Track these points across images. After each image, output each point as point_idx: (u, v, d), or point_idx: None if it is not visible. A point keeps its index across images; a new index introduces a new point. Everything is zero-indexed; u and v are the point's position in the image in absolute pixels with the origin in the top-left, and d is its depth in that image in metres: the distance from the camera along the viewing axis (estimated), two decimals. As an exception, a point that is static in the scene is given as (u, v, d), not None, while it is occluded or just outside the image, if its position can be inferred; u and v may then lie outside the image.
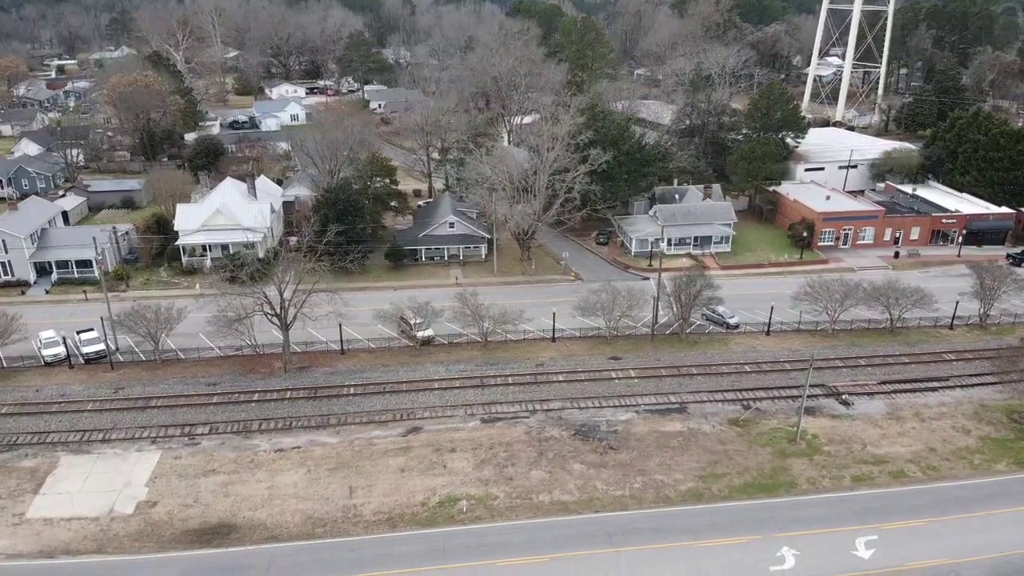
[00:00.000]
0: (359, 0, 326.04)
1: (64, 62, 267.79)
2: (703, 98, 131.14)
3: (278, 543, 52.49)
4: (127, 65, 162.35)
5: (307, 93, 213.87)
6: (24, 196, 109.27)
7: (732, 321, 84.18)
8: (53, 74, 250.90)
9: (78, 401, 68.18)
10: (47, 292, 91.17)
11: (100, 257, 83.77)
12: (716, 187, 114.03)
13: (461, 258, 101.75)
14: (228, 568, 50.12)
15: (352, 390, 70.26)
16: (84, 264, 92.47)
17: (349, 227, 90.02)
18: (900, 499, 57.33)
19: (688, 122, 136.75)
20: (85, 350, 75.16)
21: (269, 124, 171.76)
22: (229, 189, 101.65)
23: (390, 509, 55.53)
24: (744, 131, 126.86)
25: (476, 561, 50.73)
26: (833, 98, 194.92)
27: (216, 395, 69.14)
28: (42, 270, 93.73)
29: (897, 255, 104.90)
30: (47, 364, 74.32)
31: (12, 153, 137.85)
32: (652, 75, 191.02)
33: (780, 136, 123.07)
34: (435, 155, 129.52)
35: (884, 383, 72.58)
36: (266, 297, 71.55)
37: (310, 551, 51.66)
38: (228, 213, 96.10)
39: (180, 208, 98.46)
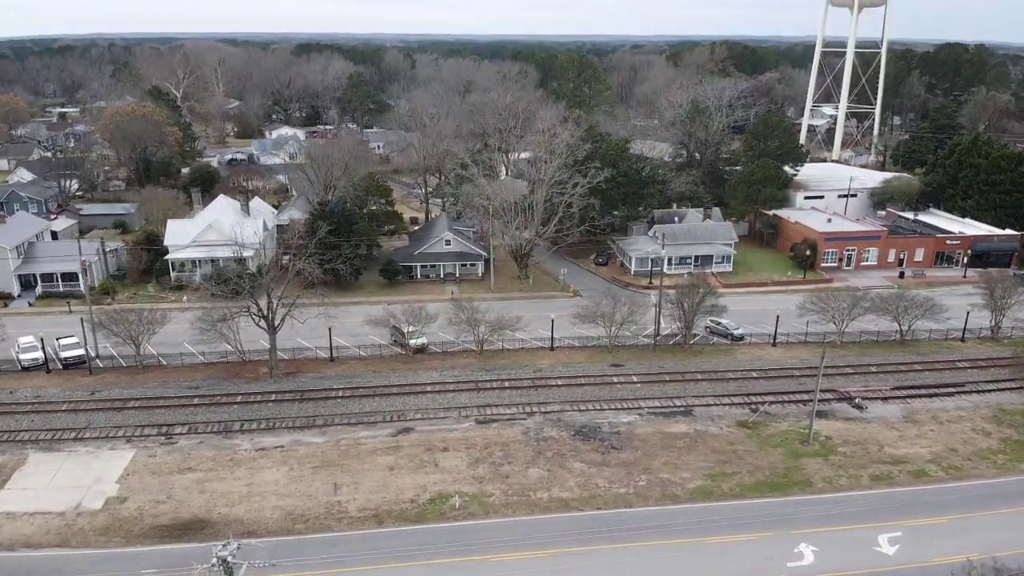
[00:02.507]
0: (360, 54, 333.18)
1: (66, 109, 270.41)
2: (700, 128, 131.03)
3: (255, 539, 48.56)
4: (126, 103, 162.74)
5: (307, 136, 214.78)
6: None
7: (737, 332, 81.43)
8: (55, 119, 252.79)
9: (52, 402, 64.96)
10: (30, 304, 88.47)
11: (85, 259, 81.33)
12: (716, 211, 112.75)
13: (457, 276, 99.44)
14: (199, 562, 46.10)
15: (340, 393, 67.02)
16: (70, 277, 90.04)
17: (343, 240, 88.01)
18: (923, 497, 53.80)
19: (685, 154, 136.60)
20: (64, 355, 72.19)
21: (268, 161, 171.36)
22: (222, 206, 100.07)
23: (377, 506, 51.84)
24: (743, 160, 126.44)
25: (468, 557, 46.91)
26: (828, 142, 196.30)
27: (197, 397, 65.87)
28: (27, 284, 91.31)
29: (902, 275, 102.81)
30: (24, 369, 71.30)
31: (7, 181, 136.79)
32: (648, 123, 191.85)
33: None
34: (431, 188, 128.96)
35: (898, 388, 69.49)
36: (253, 298, 69.10)
37: (289, 546, 47.85)
38: (220, 229, 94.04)
39: (171, 223, 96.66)
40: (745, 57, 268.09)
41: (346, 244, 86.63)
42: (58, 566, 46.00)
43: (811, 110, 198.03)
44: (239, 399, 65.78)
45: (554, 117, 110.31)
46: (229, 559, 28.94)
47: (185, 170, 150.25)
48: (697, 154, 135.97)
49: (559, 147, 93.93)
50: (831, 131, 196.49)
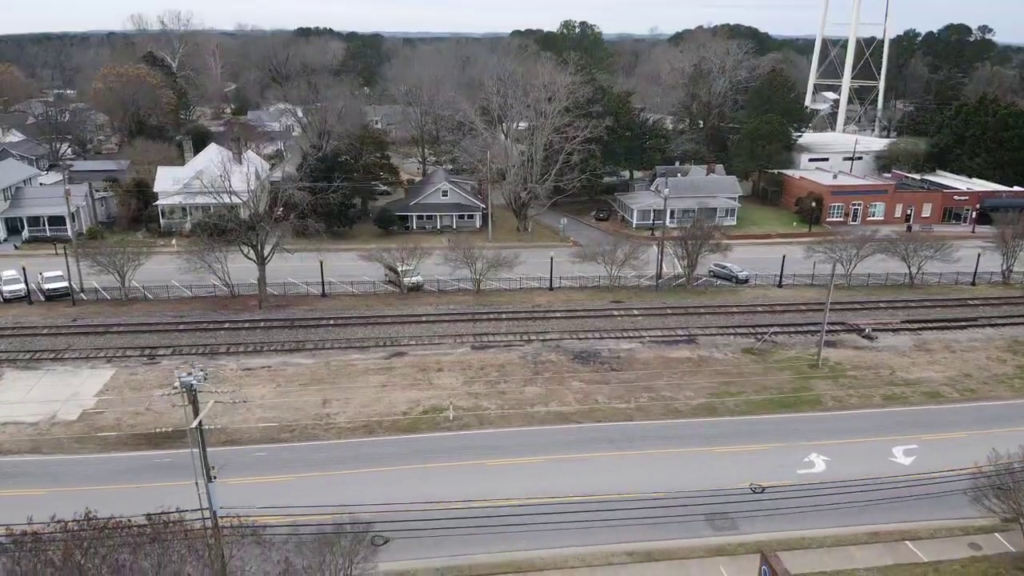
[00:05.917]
0: (360, 37, 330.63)
1: (63, 91, 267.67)
2: (703, 89, 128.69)
3: (237, 446, 46.36)
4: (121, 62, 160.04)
5: (304, 112, 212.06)
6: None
7: (742, 275, 79.14)
8: (51, 99, 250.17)
9: (33, 327, 62.67)
10: (16, 248, 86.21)
11: (69, 188, 78.91)
12: (719, 167, 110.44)
13: (454, 227, 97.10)
14: (177, 467, 43.59)
15: (332, 322, 64.70)
16: (57, 221, 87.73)
17: (336, 176, 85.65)
18: (938, 416, 51.53)
19: (688, 119, 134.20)
20: (47, 287, 70.01)
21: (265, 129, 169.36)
22: (214, 154, 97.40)
23: (368, 417, 49.54)
24: (746, 121, 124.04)
25: (464, 461, 44.59)
26: (832, 120, 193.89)
27: (183, 324, 63.58)
28: (13, 228, 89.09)
29: (909, 230, 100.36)
30: (6, 301, 69.05)
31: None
32: (649, 95, 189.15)
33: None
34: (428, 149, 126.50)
35: (908, 322, 67.18)
36: (242, 228, 66.89)
37: (275, 452, 45.58)
38: (210, 175, 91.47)
39: (161, 170, 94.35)
40: (747, 38, 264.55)
41: (338, 177, 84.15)
42: (28, 469, 43.72)
43: (813, 92, 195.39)
44: (226, 326, 63.51)
45: (554, 69, 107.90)
46: (194, 384, 26.61)
47: (179, 138, 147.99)
48: (700, 121, 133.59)
49: (559, 92, 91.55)
50: (834, 115, 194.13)
